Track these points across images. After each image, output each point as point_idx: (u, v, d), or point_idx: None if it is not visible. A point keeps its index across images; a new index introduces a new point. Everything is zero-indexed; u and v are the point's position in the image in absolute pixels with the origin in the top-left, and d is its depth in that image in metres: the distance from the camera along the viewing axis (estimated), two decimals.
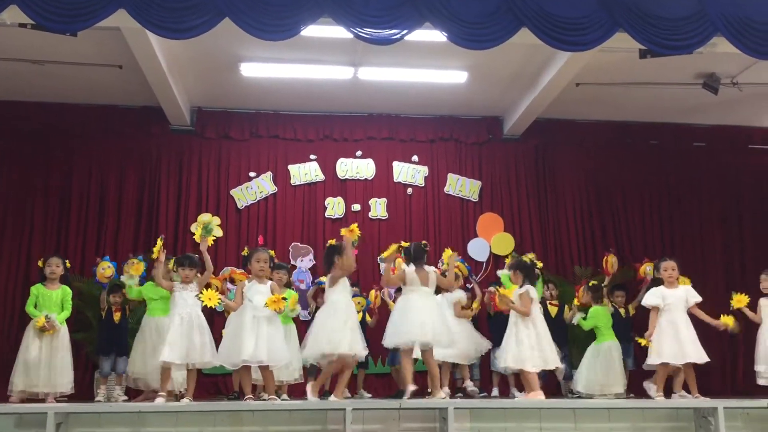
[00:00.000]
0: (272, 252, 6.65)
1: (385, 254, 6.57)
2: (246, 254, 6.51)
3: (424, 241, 6.76)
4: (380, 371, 8.58)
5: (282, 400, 6.34)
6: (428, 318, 6.21)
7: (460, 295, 7.86)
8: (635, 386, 7.75)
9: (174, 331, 6.03)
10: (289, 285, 7.57)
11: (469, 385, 7.64)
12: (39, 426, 5.20)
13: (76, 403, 6.43)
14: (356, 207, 9.71)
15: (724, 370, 9.49)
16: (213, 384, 8.58)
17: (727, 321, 6.76)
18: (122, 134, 9.52)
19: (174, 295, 6.20)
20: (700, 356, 6.49)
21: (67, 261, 7.23)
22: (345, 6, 6.20)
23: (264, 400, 6.04)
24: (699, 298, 6.65)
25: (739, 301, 7.18)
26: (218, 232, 9.27)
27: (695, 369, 6.75)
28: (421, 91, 9.20)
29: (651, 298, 6.63)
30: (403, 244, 6.52)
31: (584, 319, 7.70)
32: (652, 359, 6.60)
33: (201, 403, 5.82)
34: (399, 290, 8.32)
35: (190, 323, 6.08)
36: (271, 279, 6.47)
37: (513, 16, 6.43)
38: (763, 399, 6.02)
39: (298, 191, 9.73)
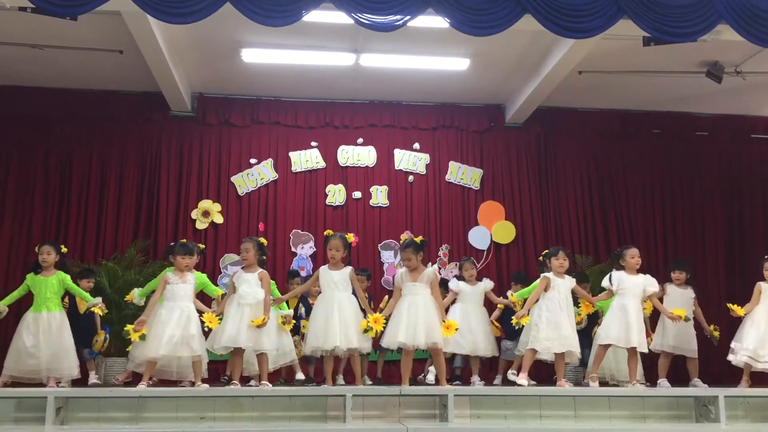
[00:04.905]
0: (263, 240, 6.64)
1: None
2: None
3: (420, 237, 6.54)
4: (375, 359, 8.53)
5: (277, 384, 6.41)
6: (423, 319, 6.06)
7: (489, 284, 7.87)
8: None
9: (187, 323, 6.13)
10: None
11: (476, 380, 7.62)
12: (39, 410, 5.22)
13: (76, 388, 6.44)
14: (357, 194, 9.68)
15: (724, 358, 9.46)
16: (213, 370, 8.57)
17: (680, 313, 6.77)
18: (123, 120, 9.49)
19: (169, 288, 6.23)
20: (643, 345, 6.56)
21: (62, 246, 7.03)
22: None
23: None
24: (656, 288, 6.73)
25: (736, 310, 7.07)
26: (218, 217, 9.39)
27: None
28: (423, 78, 9.15)
29: (607, 281, 6.70)
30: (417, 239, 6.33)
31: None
32: (600, 340, 6.65)
33: (201, 389, 5.81)
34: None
35: (189, 316, 6.16)
36: (264, 268, 6.45)
37: (516, 2, 6.41)
38: (764, 387, 6.03)
39: (299, 178, 9.71)
